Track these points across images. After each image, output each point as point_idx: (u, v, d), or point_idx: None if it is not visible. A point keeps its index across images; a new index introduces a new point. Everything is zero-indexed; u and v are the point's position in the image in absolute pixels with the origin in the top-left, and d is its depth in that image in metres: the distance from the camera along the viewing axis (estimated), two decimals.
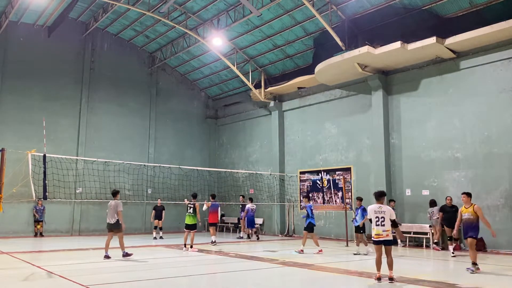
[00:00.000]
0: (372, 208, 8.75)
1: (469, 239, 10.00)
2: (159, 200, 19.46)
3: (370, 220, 8.83)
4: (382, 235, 8.52)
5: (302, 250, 13.65)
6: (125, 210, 22.10)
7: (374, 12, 17.02)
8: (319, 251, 13.67)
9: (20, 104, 20.39)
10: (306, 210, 14.07)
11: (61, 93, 21.60)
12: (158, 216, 19.29)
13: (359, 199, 13.89)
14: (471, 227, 10.08)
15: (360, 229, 13.63)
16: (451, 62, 16.03)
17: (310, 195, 20.76)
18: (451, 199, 14.29)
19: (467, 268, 9.86)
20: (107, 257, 11.96)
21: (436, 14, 15.99)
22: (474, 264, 9.85)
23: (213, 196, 17.37)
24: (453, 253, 13.00)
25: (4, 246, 14.70)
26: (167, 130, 25.01)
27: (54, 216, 20.50)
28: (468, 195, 10.57)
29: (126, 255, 12.17)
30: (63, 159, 17.62)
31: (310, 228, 13.92)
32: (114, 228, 12.23)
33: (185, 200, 15.42)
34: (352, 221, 14.10)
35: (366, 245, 13.49)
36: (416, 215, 16.40)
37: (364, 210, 13.12)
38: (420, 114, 16.79)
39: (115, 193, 12.51)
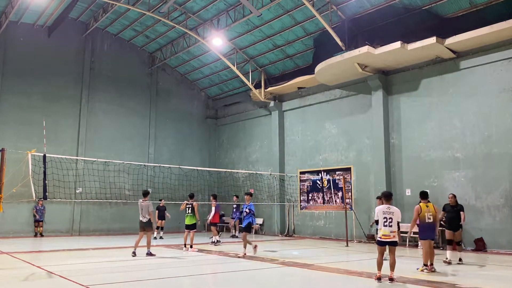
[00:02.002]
0: (381, 208, 8.68)
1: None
2: (162, 200, 19.41)
3: (376, 221, 8.75)
4: (389, 236, 8.51)
5: (245, 254, 12.60)
6: (125, 210, 22.50)
7: (374, 12, 17.02)
8: (255, 246, 12.78)
9: (20, 104, 20.39)
10: (249, 209, 12.89)
11: (61, 93, 21.61)
12: (161, 216, 19.34)
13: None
14: (419, 228, 10.30)
15: None
16: (451, 62, 16.03)
17: (310, 195, 20.77)
18: (453, 197, 12.08)
19: (417, 268, 10.05)
20: (134, 254, 12.46)
21: (436, 14, 15.99)
22: (425, 265, 9.90)
23: (215, 197, 17.39)
24: (446, 259, 11.30)
25: (4, 246, 14.70)
26: (167, 130, 25.02)
27: (54, 216, 20.51)
28: (419, 194, 10.46)
29: (149, 254, 12.54)
30: (63, 159, 17.61)
31: (249, 228, 12.95)
32: (146, 227, 12.75)
33: (184, 202, 15.32)
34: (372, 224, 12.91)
35: None
36: None
37: None
38: (420, 114, 16.80)
39: (145, 194, 13.04)
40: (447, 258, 11.26)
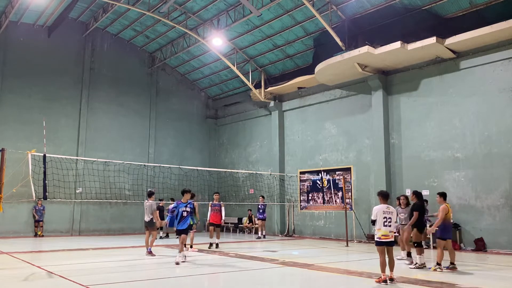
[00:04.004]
0: (381, 208, 8.52)
1: (437, 240, 10.29)
2: (162, 200, 19.34)
3: (373, 221, 8.62)
4: (389, 236, 8.46)
5: (185, 258, 11.50)
6: (125, 210, 22.50)
7: (374, 12, 17.02)
8: (184, 256, 11.39)
9: (20, 104, 20.39)
10: (191, 208, 11.52)
11: (61, 93, 21.61)
12: (161, 217, 19.25)
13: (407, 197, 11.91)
14: (439, 227, 10.21)
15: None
16: (451, 62, 16.03)
17: (310, 195, 20.75)
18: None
19: (429, 267, 10.03)
20: (150, 253, 12.57)
21: (436, 14, 15.99)
22: (438, 264, 9.89)
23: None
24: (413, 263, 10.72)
25: (4, 246, 14.70)
26: (167, 130, 25.02)
27: (54, 216, 20.51)
28: (441, 195, 10.46)
29: (149, 252, 12.59)
30: (63, 159, 17.60)
31: (189, 230, 11.86)
32: (149, 226, 12.95)
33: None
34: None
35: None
36: None
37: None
38: (420, 114, 16.79)
39: (150, 194, 13.21)
40: (422, 263, 10.48)
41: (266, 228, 21.03)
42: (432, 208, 15.46)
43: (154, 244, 13.24)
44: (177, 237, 11.44)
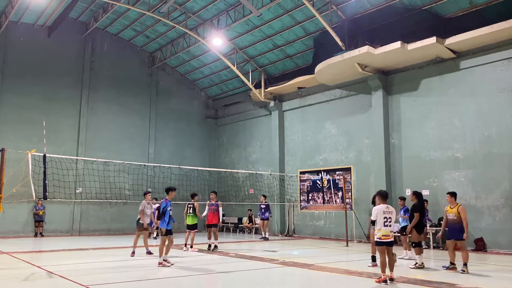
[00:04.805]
0: (381, 208, 8.51)
1: (458, 242, 10.05)
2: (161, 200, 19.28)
3: (372, 222, 8.60)
4: (389, 236, 8.44)
5: (162, 263, 10.68)
6: (125, 210, 22.50)
7: (374, 12, 17.02)
8: (164, 262, 10.65)
9: (20, 104, 20.40)
10: (165, 208, 11.03)
11: (61, 93, 21.62)
12: (160, 217, 19.24)
13: (403, 198, 12.52)
14: (456, 228, 10.07)
15: (405, 231, 11.85)
16: (451, 62, 16.02)
17: (310, 195, 20.75)
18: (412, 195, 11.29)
19: (462, 270, 9.78)
20: (148, 253, 12.83)
21: (436, 14, 15.99)
22: (465, 264, 9.82)
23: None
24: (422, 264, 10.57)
25: (4, 246, 14.71)
26: (167, 130, 25.03)
27: (54, 216, 20.52)
28: (452, 194, 10.43)
29: (132, 253, 12.60)
30: (63, 159, 17.59)
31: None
32: (137, 226, 13.00)
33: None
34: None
35: (409, 249, 11.99)
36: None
37: (407, 211, 11.76)
38: (420, 114, 16.79)
39: (144, 194, 13.40)
40: (422, 263, 10.52)
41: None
42: (433, 208, 15.52)
43: (154, 244, 13.25)
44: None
